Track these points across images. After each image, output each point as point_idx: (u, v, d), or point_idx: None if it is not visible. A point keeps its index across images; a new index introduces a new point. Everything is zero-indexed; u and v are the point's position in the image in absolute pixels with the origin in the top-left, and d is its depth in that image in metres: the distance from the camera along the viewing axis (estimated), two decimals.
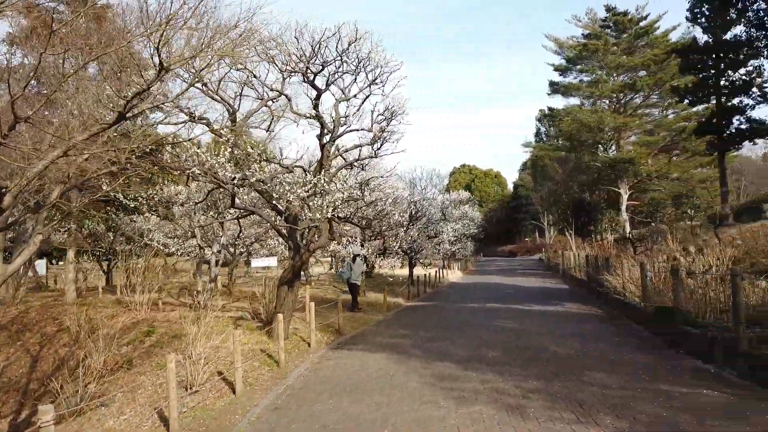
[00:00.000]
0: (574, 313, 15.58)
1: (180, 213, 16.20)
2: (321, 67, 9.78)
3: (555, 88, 46.13)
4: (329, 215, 9.43)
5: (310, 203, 9.46)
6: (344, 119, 10.74)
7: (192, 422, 7.11)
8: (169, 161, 10.17)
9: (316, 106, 10.12)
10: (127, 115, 5.50)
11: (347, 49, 9.49)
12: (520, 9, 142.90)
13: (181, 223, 15.08)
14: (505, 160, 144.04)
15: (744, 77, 24.38)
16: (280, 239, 19.44)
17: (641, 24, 40.31)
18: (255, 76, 10.06)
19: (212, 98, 10.68)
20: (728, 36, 24.72)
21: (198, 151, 9.08)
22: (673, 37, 39.45)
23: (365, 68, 10.15)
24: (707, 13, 25.07)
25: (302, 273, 26.23)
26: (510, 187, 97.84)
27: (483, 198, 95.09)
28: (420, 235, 25.47)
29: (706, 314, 10.01)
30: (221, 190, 13.57)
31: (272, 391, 8.18)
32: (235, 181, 9.32)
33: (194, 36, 5.96)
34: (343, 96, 11.05)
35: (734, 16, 22.67)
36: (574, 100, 46.22)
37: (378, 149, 11.57)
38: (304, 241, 11.14)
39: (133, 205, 11.94)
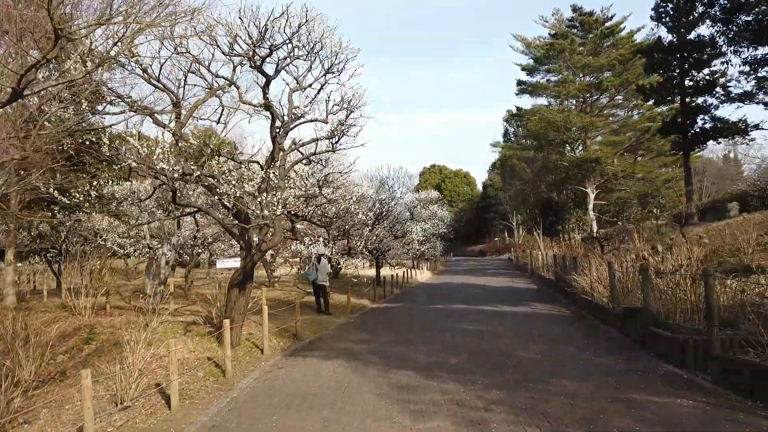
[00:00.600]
0: (541, 314, 15.18)
1: (132, 212, 15.20)
2: (269, 52, 9.04)
3: (523, 88, 46.14)
4: (278, 213, 8.69)
5: (259, 200, 8.70)
6: (297, 110, 10.01)
7: None
8: (107, 154, 9.30)
9: (265, 95, 9.36)
10: (25, 93, 4.70)
11: (297, 32, 8.78)
12: (492, 11, 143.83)
13: (125, 222, 14.08)
14: (475, 161, 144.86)
15: (708, 77, 24.53)
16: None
17: (607, 24, 40.59)
18: (198, 62, 9.25)
19: (154, 86, 9.85)
20: (692, 36, 24.86)
21: (132, 141, 8.23)
22: (638, 38, 39.85)
23: (319, 55, 9.46)
24: (672, 13, 25.15)
25: (267, 274, 25.56)
26: (480, 187, 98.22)
27: (453, 198, 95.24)
28: (387, 235, 24.88)
29: (676, 315, 9.62)
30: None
31: (213, 405, 7.41)
32: (176, 175, 8.50)
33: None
34: (298, 85, 10.33)
35: (698, 14, 22.73)
36: (542, 101, 46.41)
37: (335, 143, 10.87)
38: (256, 241, 10.36)
39: (71, 203, 10.94)
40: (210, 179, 9.68)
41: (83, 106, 9.04)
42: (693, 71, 24.97)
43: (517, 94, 48.00)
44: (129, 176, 11.98)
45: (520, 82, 44.63)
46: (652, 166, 41.19)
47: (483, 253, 79.86)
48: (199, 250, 20.84)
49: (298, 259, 26.62)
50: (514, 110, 47.81)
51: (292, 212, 12.20)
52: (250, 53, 8.93)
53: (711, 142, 25.37)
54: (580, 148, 41.83)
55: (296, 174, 14.64)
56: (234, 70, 10.35)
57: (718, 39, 16.75)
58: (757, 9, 13.73)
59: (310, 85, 10.37)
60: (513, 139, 62.37)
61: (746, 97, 21.58)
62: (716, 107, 23.72)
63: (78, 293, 15.11)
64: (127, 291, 20.62)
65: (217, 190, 9.01)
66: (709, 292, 7.44)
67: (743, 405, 6.29)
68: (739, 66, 16.05)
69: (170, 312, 15.56)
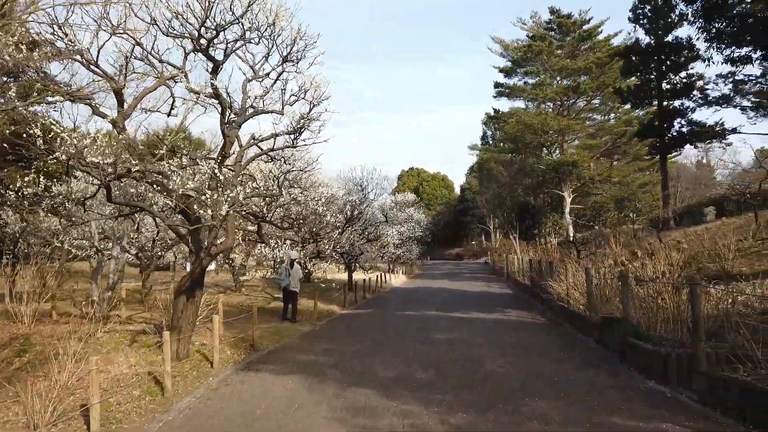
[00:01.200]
0: (516, 321, 14.51)
1: (76, 211, 14.08)
2: (215, 33, 8.18)
3: (500, 90, 45.82)
4: (224, 212, 7.82)
5: (204, 197, 7.82)
6: (252, 101, 9.15)
7: None
8: (42, 147, 8.32)
9: (213, 82, 8.48)
10: None
11: (247, 11, 7.93)
12: (472, 14, 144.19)
13: (72, 222, 13.01)
14: (454, 164, 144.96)
15: (685, 80, 24.28)
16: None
17: (585, 27, 40.47)
18: (139, 44, 8.33)
19: (93, 71, 8.90)
20: (670, 38, 24.60)
21: (60, 132, 7.30)
22: (616, 42, 39.79)
23: (276, 41, 8.63)
24: (649, 15, 24.88)
25: (234, 278, 24.49)
26: (458, 190, 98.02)
27: (431, 201, 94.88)
28: (359, 239, 24.05)
29: (656, 325, 9.00)
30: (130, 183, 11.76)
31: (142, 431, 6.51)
32: (110, 170, 7.58)
33: None
34: (254, 74, 9.47)
35: (676, 17, 22.46)
36: (520, 104, 46.15)
37: (295, 138, 10.04)
38: (206, 243, 9.46)
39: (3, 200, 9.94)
40: (156, 175, 8.78)
41: (10, 93, 8.07)
42: (670, 74, 24.73)
43: (494, 97, 47.70)
44: (68, 172, 10.94)
45: (497, 85, 44.30)
46: (628, 170, 41.13)
47: (460, 256, 79.48)
48: (160, 253, 19.74)
49: (273, 262, 25.66)
50: (492, 112, 47.40)
51: (249, 212, 11.33)
52: (195, 34, 8.05)
53: (688, 146, 25.14)
54: (557, 151, 41.60)
55: (261, 173, 13.78)
56: (185, 57, 9.48)
57: (698, 37, 16.32)
58: (739, 7, 13.34)
59: (267, 74, 9.52)
60: (491, 142, 62.10)
61: (724, 101, 21.33)
62: (693, 110, 23.52)
63: (21, 299, 14.00)
64: (82, 296, 19.44)
65: (166, 187, 8.10)
66: (695, 302, 6.79)
67: (735, 429, 5.63)
68: (722, 62, 15.60)
69: (120, 320, 14.55)
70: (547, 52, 38.61)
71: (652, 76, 25.39)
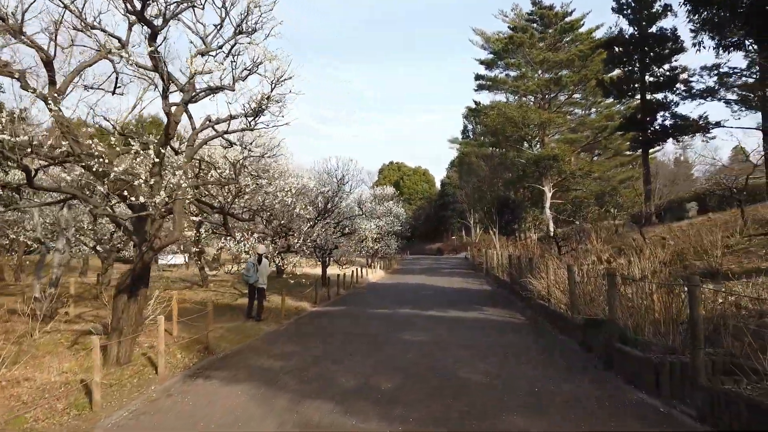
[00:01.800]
0: (494, 321, 13.74)
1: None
2: None
3: (481, 84, 45.04)
4: (158, 200, 6.82)
5: (136, 183, 6.82)
6: (201, 76, 8.14)
7: None
8: None
9: (151, 52, 7.45)
10: None
11: None
12: (456, 10, 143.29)
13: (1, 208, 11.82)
14: (435, 159, 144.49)
15: (668, 72, 23.75)
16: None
17: (567, 20, 39.82)
18: (66, 7, 7.27)
19: (21, 41, 7.81)
20: (654, 29, 24.02)
21: None
22: (598, 35, 39.22)
23: (226, 8, 7.63)
24: (633, 5, 24.27)
25: (201, 273, 23.34)
26: (438, 185, 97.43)
27: (411, 195, 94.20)
28: (334, 232, 23.09)
29: (644, 328, 8.26)
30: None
31: None
32: (29, 150, 6.53)
33: None
34: (204, 47, 8.46)
35: (660, 7, 21.86)
36: (501, 97, 45.47)
37: (253, 119, 9.06)
38: (149, 236, 8.44)
39: None
40: (91, 158, 7.73)
41: None
42: (654, 66, 24.18)
43: (475, 90, 46.87)
44: None
45: (478, 76, 43.48)
46: (608, 165, 40.77)
47: (440, 251, 79.00)
48: (119, 245, 18.55)
49: (250, 255, 24.52)
50: (473, 104, 46.65)
51: (202, 201, 10.34)
52: None
53: (668, 142, 24.64)
54: (538, 145, 41.02)
55: (226, 160, 12.73)
56: (129, 28, 8.42)
57: (688, 21, 15.67)
58: None
59: (220, 48, 8.52)
60: (471, 136, 61.48)
61: (708, 94, 20.83)
62: (677, 104, 22.98)
63: None
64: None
65: (90, 169, 7.07)
66: (693, 305, 6.01)
67: None
68: (712, 48, 14.98)
69: (67, 318, 13.43)
70: (529, 44, 37.89)
71: (636, 68, 24.84)
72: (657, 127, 23.54)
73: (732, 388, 5.86)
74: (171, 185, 7.07)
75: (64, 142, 7.48)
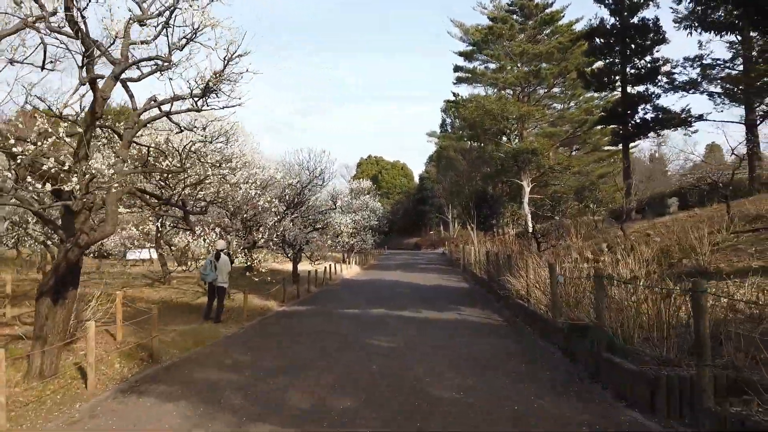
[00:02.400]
0: (471, 323, 12.87)
1: None
2: None
3: (460, 76, 44.28)
4: (79, 189, 5.73)
5: (44, 167, 5.72)
6: (135, 45, 7.03)
7: None
8: None
9: (69, 16, 6.32)
10: None
11: None
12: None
13: None
14: (414, 154, 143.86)
15: (650, 64, 23.15)
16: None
17: (547, 11, 39.16)
18: None
19: None
20: (635, 20, 23.39)
21: None
22: (578, 27, 38.63)
23: None
24: None
25: (162, 269, 22.06)
26: (417, 179, 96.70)
27: (390, 190, 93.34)
28: (306, 226, 22.02)
29: (634, 335, 7.43)
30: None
31: None
32: None
33: None
34: (142, 14, 7.34)
35: None
36: (480, 90, 44.73)
37: (200, 99, 7.98)
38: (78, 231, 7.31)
39: None
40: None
41: None
42: (635, 58, 23.56)
43: (455, 83, 46.08)
44: None
45: (457, 68, 42.63)
46: (587, 160, 40.36)
47: (418, 246, 78.35)
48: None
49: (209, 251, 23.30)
50: (452, 96, 45.79)
51: (143, 191, 9.24)
52: None
53: (645, 138, 24.05)
54: (517, 139, 40.41)
55: (169, 145, 11.59)
56: None
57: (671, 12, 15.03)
58: None
59: (159, 13, 7.41)
60: (450, 129, 60.72)
61: (691, 86, 20.27)
62: (659, 96, 22.38)
63: None
64: None
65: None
66: (699, 314, 5.17)
67: None
68: (701, 33, 14.31)
69: (1, 321, 12.19)
70: (509, 35, 37.14)
71: (617, 60, 24.20)
72: (638, 121, 22.97)
73: (743, 410, 5.05)
74: (91, 172, 5.97)
75: None
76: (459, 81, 45.19)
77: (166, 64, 8.13)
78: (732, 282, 9.02)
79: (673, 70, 20.88)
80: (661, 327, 6.91)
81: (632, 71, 23.58)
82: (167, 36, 7.07)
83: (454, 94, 44.54)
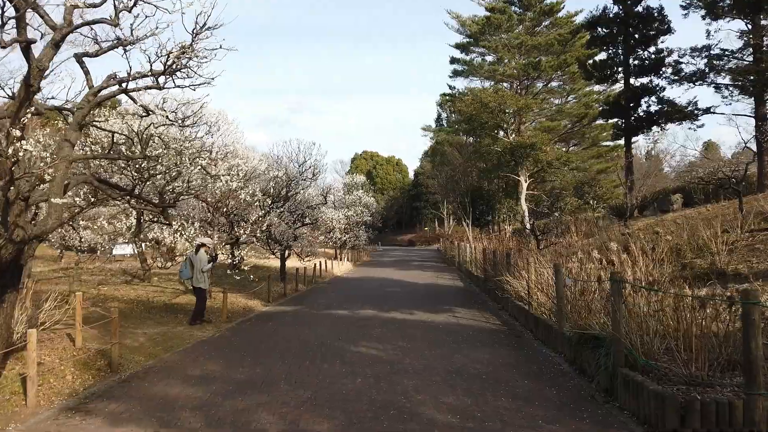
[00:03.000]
0: (467, 327, 11.91)
1: None
2: None
3: (457, 70, 43.24)
4: (3, 174, 4.73)
5: None
6: (80, 8, 6.02)
7: None
8: None
9: None
10: None
11: None
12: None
13: None
14: (409, 150, 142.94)
15: (654, 55, 22.21)
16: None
17: (546, 1, 38.06)
18: None
19: None
20: (639, 8, 22.44)
21: None
22: (578, 19, 37.65)
23: None
24: None
25: (143, 265, 21.00)
26: (411, 175, 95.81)
27: (384, 186, 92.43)
28: (294, 222, 21.02)
29: (653, 348, 6.48)
30: None
31: None
32: None
33: None
34: None
35: None
36: (477, 84, 43.74)
37: (160, 75, 6.98)
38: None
39: None
40: None
41: None
42: (639, 49, 22.61)
43: (451, 76, 45.04)
44: None
45: (453, 60, 41.55)
46: (585, 155, 39.48)
47: (412, 242, 77.56)
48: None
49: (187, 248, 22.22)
50: (448, 89, 44.77)
51: (100, 180, 8.23)
52: None
53: (655, 129, 23.15)
54: (514, 134, 39.46)
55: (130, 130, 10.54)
56: None
57: None
58: None
59: None
60: (445, 124, 59.76)
61: (698, 77, 19.32)
62: (663, 89, 21.44)
63: None
64: None
65: None
66: (751, 332, 4.21)
67: None
68: (709, 22, 13.38)
69: None
70: (507, 26, 36.08)
71: (620, 51, 23.24)
72: (641, 114, 22.05)
73: None
74: (19, 156, 4.98)
75: None
76: (455, 74, 44.17)
77: (125, 38, 7.13)
78: (759, 286, 8.09)
79: (680, 60, 19.93)
80: (689, 339, 5.96)
81: (636, 62, 22.65)
82: None
83: (450, 87, 43.55)
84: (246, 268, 14.91)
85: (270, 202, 16.64)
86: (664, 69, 21.38)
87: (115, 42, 7.39)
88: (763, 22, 17.75)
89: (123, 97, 7.94)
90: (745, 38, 17.50)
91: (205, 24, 7.56)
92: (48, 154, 6.01)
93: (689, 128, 24.78)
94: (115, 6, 6.15)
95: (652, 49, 22.18)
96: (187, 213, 16.46)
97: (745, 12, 15.47)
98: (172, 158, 11.65)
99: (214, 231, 16.17)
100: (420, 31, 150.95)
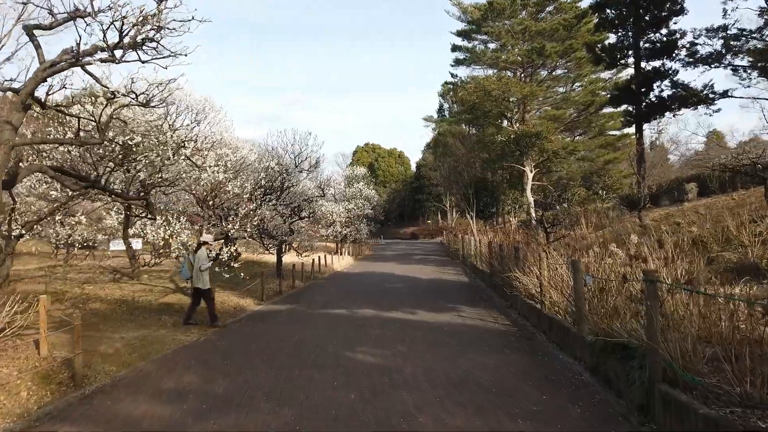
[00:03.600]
0: (474, 328, 10.96)
1: None
2: None
3: (459, 58, 42.09)
4: None
5: None
6: None
7: None
8: None
9: None
10: None
11: None
12: None
13: None
14: (411, 141, 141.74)
15: (666, 37, 21.10)
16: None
17: None
18: None
19: None
20: None
21: None
22: (583, 4, 36.46)
23: None
24: None
25: (132, 262, 20.10)
26: (414, 167, 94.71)
27: (386, 178, 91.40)
28: (290, 215, 20.09)
29: (695, 360, 5.52)
30: None
31: None
32: None
33: None
34: None
35: None
36: (479, 73, 42.60)
37: (118, 45, 6.02)
38: None
39: None
40: None
41: None
42: (650, 31, 21.50)
43: (452, 65, 43.86)
44: None
45: (455, 47, 40.38)
46: (592, 144, 38.37)
47: (415, 236, 76.67)
48: (21, 231, 15.23)
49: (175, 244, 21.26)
50: (450, 77, 43.63)
51: (59, 169, 7.29)
52: None
53: (668, 114, 22.03)
54: (518, 124, 38.36)
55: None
56: None
57: None
58: None
59: None
60: (447, 115, 58.63)
61: (714, 59, 18.24)
62: (676, 72, 20.35)
63: None
64: None
65: None
66: None
67: None
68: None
69: None
70: (510, 12, 34.89)
71: (630, 33, 22.14)
72: (653, 99, 20.98)
73: None
74: None
75: None
76: (457, 63, 43.01)
77: (83, 10, 6.18)
78: None
79: (695, 41, 18.81)
80: (742, 351, 5.00)
81: (647, 45, 21.55)
82: None
83: (452, 75, 42.42)
84: (236, 264, 13.94)
85: (262, 194, 15.67)
86: (677, 51, 20.30)
87: (72, 12, 6.44)
88: None
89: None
90: (766, 17, 16.42)
91: None
92: None
93: (705, 113, 23.78)
94: None
95: (664, 30, 21.09)
96: (173, 206, 15.54)
97: None
98: (155, 148, 10.72)
99: (203, 226, 15.26)
100: (418, 29, 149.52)
